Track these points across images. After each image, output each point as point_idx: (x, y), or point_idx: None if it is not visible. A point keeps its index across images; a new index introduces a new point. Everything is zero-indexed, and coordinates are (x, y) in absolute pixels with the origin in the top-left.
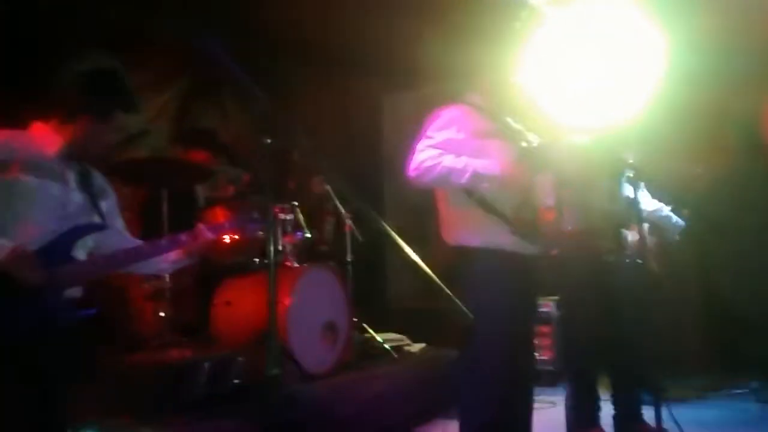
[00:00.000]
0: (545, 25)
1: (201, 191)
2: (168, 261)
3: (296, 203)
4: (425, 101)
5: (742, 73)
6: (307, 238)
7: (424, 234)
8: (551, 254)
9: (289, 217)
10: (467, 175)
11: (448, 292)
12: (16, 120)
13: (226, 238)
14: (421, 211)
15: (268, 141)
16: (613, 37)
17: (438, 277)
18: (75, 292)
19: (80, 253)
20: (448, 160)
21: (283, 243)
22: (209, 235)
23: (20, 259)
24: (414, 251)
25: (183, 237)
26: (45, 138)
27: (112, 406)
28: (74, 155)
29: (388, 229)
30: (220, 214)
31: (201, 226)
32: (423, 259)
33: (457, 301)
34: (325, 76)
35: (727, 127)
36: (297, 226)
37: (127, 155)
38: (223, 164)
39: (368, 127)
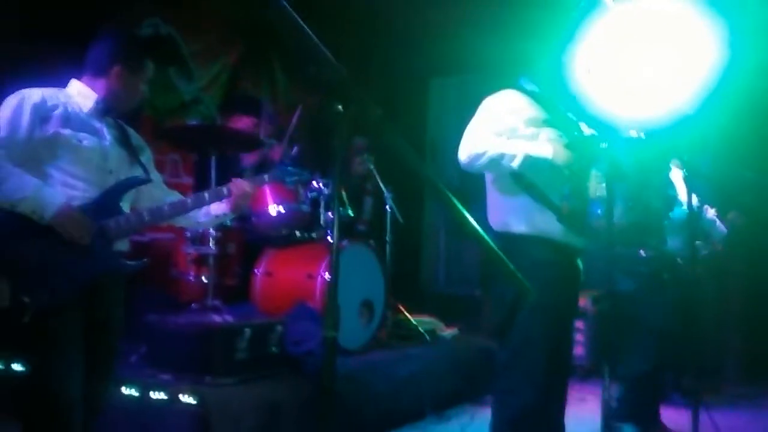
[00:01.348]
0: (605, 16)
1: (247, 159)
2: (208, 215)
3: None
4: (471, 87)
5: None
6: (348, 215)
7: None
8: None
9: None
10: (519, 159)
11: (507, 262)
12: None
13: (268, 198)
14: (464, 195)
15: (339, 108)
16: (671, 32)
17: (481, 264)
18: (122, 245)
19: (125, 206)
20: (500, 144)
21: (326, 218)
22: (247, 187)
23: (69, 215)
24: (456, 237)
25: (224, 189)
26: (81, 93)
27: (153, 365)
28: (109, 109)
29: (455, 201)
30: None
31: (239, 180)
32: (465, 245)
33: (519, 275)
34: (372, 55)
35: None
36: (339, 203)
37: (178, 121)
38: (268, 133)
39: (414, 110)
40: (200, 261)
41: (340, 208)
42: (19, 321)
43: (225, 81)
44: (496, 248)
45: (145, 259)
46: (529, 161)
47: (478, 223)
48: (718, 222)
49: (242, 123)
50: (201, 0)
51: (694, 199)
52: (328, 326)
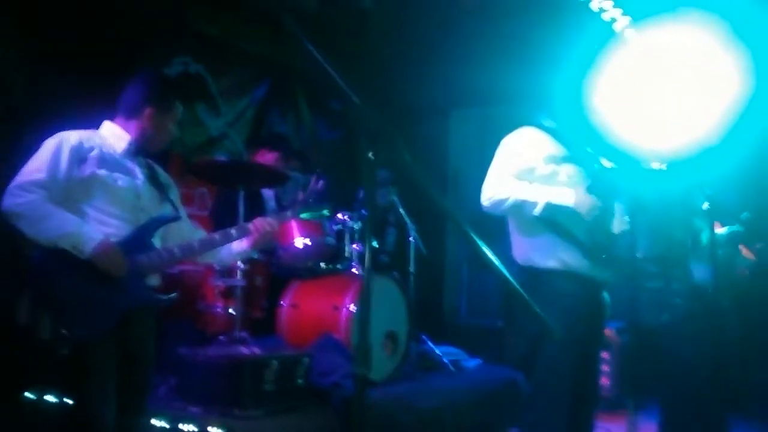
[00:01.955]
0: (625, 47)
1: (273, 195)
2: (230, 252)
3: (365, 212)
4: (492, 118)
5: None
6: (373, 247)
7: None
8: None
9: (357, 225)
10: (540, 207)
11: (531, 303)
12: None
13: (293, 235)
14: (487, 227)
15: (370, 155)
16: (693, 62)
17: (503, 295)
18: (154, 279)
19: (156, 241)
20: (521, 191)
21: (350, 250)
22: (269, 225)
23: (107, 250)
24: (479, 268)
25: (249, 226)
26: (115, 135)
27: (182, 397)
28: (141, 150)
29: (476, 237)
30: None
31: (261, 219)
32: (487, 276)
33: (540, 312)
34: (394, 88)
35: None
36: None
37: (206, 158)
38: (294, 169)
39: (435, 142)
40: (228, 293)
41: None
42: (59, 353)
43: (252, 116)
44: (516, 284)
45: (175, 293)
46: (551, 208)
47: (500, 255)
48: (743, 251)
49: (267, 158)
50: (230, 40)
51: (722, 229)
52: (358, 363)
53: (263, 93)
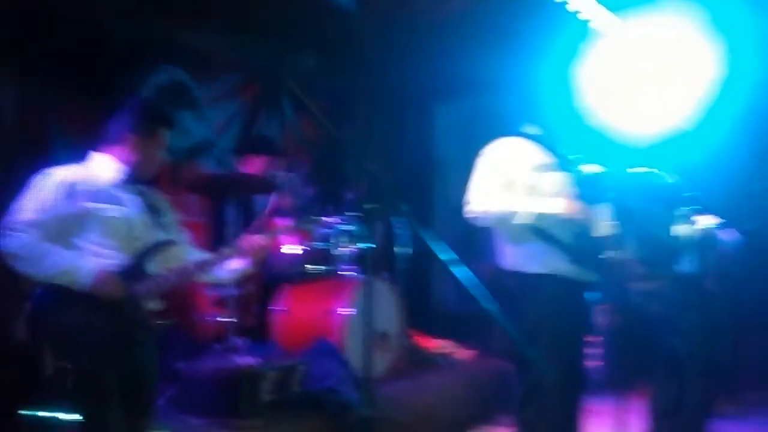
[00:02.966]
0: (605, 41)
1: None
2: (230, 270)
3: (356, 214)
4: (478, 110)
5: None
6: (364, 248)
7: (475, 245)
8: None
9: (349, 227)
10: (530, 218)
11: (494, 314)
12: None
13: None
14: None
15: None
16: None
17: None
18: (155, 304)
19: (153, 267)
20: (509, 203)
21: (343, 253)
22: (261, 241)
23: (106, 280)
24: (463, 263)
25: (243, 244)
26: (103, 166)
27: (181, 409)
28: (131, 178)
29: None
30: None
31: (251, 235)
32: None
33: (505, 323)
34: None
35: None
36: (356, 237)
37: (193, 165)
38: (281, 171)
39: (420, 134)
40: (220, 302)
41: (358, 242)
42: (63, 386)
43: (240, 123)
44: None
45: (174, 319)
46: (540, 219)
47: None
48: (726, 236)
49: (256, 164)
50: (214, 51)
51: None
52: (365, 405)
53: (251, 99)
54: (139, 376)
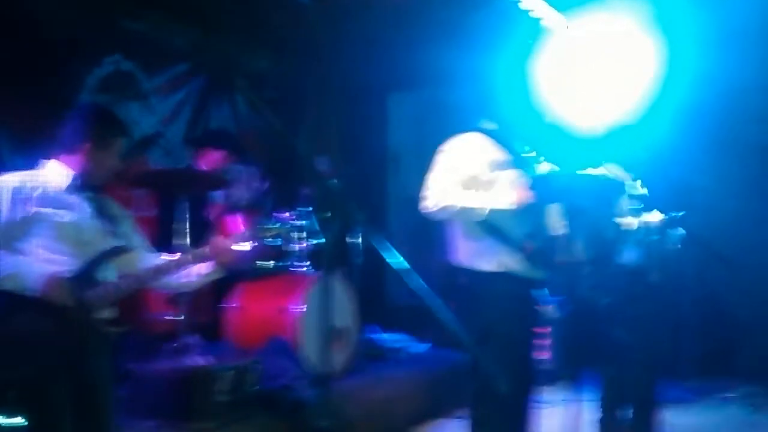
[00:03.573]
0: (555, 38)
1: (219, 198)
2: (195, 275)
3: (312, 209)
4: (430, 102)
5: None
6: (318, 243)
7: (428, 236)
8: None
9: (303, 222)
10: (485, 213)
11: (441, 314)
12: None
13: (246, 246)
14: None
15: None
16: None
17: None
18: (109, 312)
19: (109, 274)
20: (466, 198)
21: (297, 249)
22: (227, 244)
23: (56, 285)
24: (416, 254)
25: (206, 249)
26: (56, 172)
27: (134, 411)
28: (84, 184)
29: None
30: (238, 222)
31: (218, 238)
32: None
33: (452, 321)
34: (332, 72)
35: (735, 132)
36: (311, 233)
37: (141, 158)
38: (237, 163)
39: (374, 125)
40: (173, 300)
41: (312, 238)
42: (5, 396)
43: (189, 111)
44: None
45: (128, 326)
46: (495, 214)
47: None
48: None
49: (212, 158)
50: (160, 36)
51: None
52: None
53: (200, 88)
54: (91, 388)
